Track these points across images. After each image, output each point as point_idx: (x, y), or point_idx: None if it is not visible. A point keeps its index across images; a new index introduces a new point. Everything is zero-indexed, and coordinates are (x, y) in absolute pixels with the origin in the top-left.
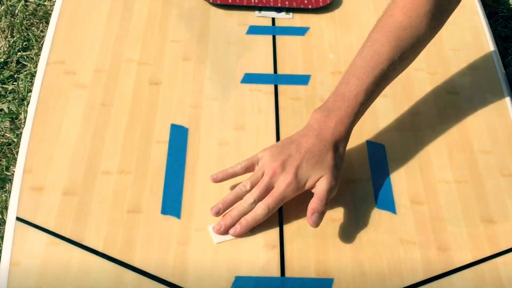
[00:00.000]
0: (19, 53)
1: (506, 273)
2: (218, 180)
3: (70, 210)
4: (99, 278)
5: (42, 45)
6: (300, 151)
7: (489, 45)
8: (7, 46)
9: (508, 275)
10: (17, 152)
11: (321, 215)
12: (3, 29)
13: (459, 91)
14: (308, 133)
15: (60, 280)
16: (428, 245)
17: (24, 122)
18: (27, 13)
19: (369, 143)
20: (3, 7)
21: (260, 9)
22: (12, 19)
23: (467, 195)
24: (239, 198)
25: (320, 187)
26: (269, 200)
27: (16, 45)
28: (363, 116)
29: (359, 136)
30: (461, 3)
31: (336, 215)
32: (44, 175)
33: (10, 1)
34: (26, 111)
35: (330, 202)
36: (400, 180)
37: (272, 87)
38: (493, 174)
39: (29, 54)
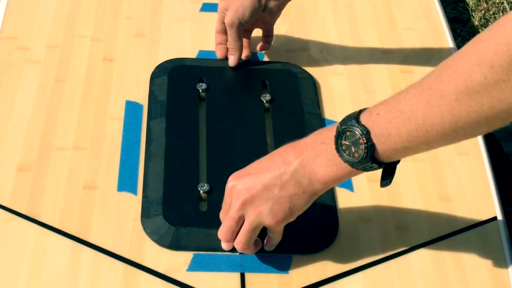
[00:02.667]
0: None
1: (464, 251)
2: None
3: (25, 186)
4: (56, 255)
5: None
6: None
7: (442, 26)
8: None
9: (466, 253)
10: None
11: None
12: None
13: (414, 70)
14: None
15: (15, 256)
16: (386, 223)
17: None
18: None
19: (326, 121)
20: None
21: None
22: None
23: (424, 174)
24: None
25: None
26: None
27: None
28: (322, 96)
29: None
30: None
31: None
32: None
33: None
34: None
35: None
36: None
37: None
38: (449, 153)
39: None
